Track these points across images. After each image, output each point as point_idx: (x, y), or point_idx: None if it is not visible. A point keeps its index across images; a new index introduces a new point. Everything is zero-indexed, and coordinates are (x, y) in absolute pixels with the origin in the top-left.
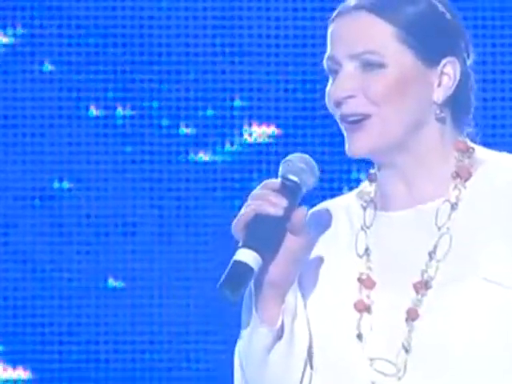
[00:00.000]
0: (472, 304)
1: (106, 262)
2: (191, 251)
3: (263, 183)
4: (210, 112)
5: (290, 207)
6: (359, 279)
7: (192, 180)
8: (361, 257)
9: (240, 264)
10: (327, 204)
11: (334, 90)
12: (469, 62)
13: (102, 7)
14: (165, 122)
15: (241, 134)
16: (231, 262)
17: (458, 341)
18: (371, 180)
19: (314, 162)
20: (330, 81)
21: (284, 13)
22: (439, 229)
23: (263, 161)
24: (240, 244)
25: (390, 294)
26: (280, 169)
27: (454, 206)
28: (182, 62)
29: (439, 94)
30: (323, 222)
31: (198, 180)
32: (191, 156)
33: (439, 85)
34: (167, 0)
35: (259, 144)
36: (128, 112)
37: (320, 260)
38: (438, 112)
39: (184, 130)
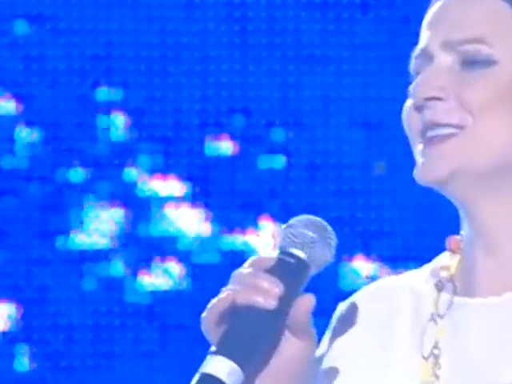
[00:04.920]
0: None
1: None
2: None
3: (251, 259)
4: None
5: (289, 296)
6: None
7: None
8: (426, 359)
9: (210, 379)
10: (386, 282)
11: (415, 88)
12: None
13: None
14: None
15: None
16: (198, 374)
17: None
18: (454, 249)
19: (328, 227)
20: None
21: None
22: None
23: None
24: (212, 348)
25: None
26: (279, 239)
27: None
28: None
29: None
30: (373, 307)
31: None
32: None
33: None
34: None
35: None
36: None
37: (362, 361)
38: None
39: None
